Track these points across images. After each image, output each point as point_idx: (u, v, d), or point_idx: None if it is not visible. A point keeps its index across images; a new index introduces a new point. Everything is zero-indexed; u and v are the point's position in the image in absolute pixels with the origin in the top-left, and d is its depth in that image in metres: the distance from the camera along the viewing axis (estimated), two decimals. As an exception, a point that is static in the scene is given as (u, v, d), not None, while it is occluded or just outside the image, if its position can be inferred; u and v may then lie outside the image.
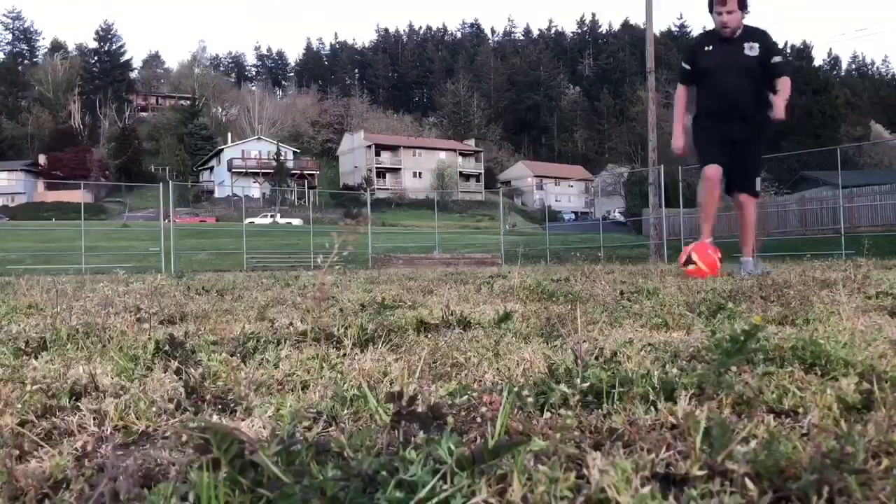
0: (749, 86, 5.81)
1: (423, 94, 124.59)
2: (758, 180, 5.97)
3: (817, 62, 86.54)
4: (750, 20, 5.86)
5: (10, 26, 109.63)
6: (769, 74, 5.79)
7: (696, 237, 5.92)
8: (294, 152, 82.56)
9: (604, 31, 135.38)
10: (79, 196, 44.55)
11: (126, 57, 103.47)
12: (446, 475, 0.83)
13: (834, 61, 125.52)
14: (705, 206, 5.96)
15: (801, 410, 1.21)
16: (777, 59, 5.87)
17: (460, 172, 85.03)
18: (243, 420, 1.26)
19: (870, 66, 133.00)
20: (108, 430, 1.21)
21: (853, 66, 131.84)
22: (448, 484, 0.81)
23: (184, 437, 1.04)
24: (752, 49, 5.82)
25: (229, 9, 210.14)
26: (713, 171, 5.84)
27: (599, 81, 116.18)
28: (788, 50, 76.58)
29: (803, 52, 77.43)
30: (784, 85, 5.72)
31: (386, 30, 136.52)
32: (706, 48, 6.03)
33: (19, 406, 1.31)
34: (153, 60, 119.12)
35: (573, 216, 76.82)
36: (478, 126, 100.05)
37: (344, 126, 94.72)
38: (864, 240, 9.85)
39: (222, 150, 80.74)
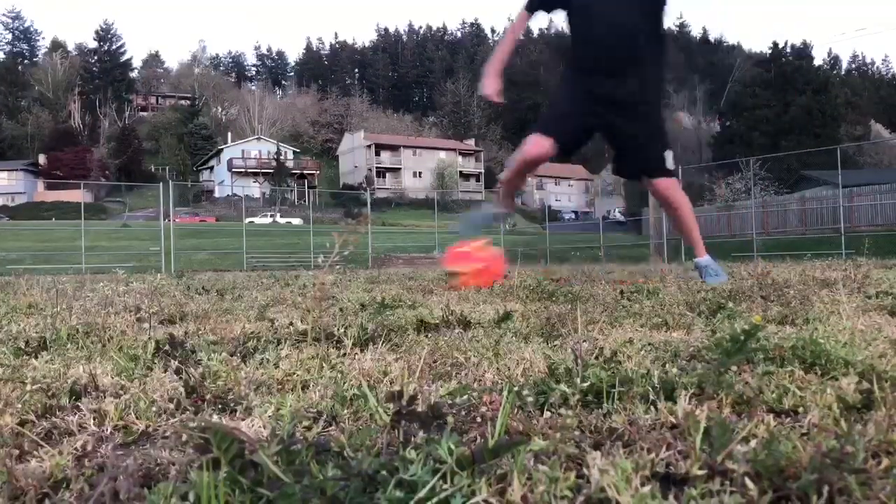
0: (643, 17, 4.20)
1: (423, 93, 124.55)
2: (668, 155, 4.28)
3: (817, 62, 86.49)
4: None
5: (10, 26, 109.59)
6: None
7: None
8: (294, 152, 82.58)
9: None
10: (79, 196, 44.56)
11: (126, 57, 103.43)
12: (446, 475, 0.83)
13: (834, 61, 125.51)
14: (508, 186, 4.66)
15: (801, 410, 1.21)
16: None
17: (460, 172, 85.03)
18: (243, 420, 1.26)
19: (870, 66, 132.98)
20: (108, 430, 1.21)
21: (853, 66, 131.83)
22: (448, 483, 0.82)
23: (184, 437, 1.04)
24: None
25: (229, 9, 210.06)
26: (539, 150, 4.30)
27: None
28: (788, 49, 76.52)
29: (803, 52, 77.45)
30: None
31: (386, 29, 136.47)
32: None
33: (19, 406, 1.31)
34: (153, 60, 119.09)
35: (573, 216, 76.84)
36: (478, 126, 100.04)
37: (344, 126, 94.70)
38: (865, 239, 9.86)
39: (222, 149, 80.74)
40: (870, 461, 0.88)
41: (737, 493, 0.79)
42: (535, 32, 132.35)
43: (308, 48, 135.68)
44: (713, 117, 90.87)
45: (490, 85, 4.47)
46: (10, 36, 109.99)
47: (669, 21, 4.51)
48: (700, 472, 0.87)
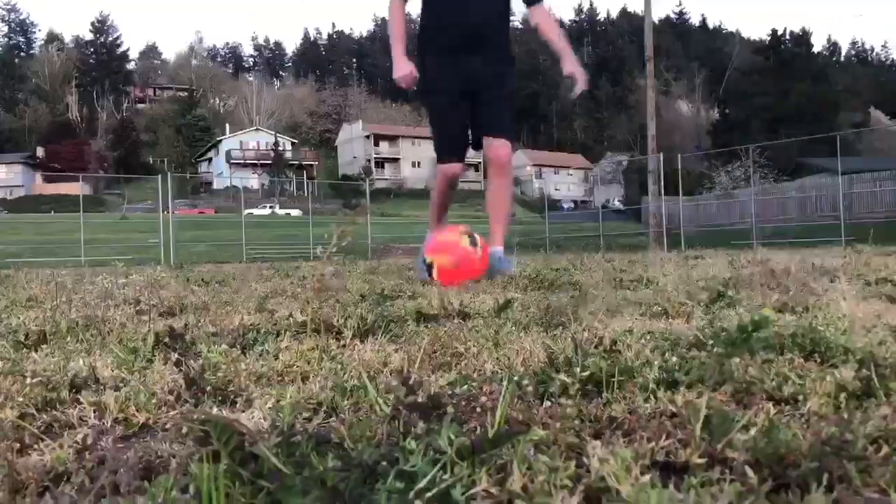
0: (498, 3, 4.41)
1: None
2: (512, 125, 4.62)
3: (816, 49, 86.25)
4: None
5: (6, 18, 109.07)
6: None
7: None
8: (292, 143, 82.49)
9: (602, 19, 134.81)
10: (77, 188, 44.46)
11: (123, 48, 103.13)
12: (446, 465, 0.83)
13: (833, 47, 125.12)
14: (438, 203, 4.77)
15: (800, 398, 1.21)
16: None
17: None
18: (243, 411, 1.26)
19: (869, 52, 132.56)
20: (109, 423, 1.22)
21: (853, 52, 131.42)
22: (448, 474, 0.82)
23: (184, 429, 1.04)
24: None
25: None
26: (456, 170, 4.50)
27: (598, 69, 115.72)
28: (787, 36, 76.17)
29: (802, 39, 77.10)
30: (550, 24, 4.50)
31: (383, 19, 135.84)
32: None
33: (20, 399, 1.31)
34: (150, 52, 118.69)
35: (573, 205, 76.80)
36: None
37: (342, 116, 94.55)
38: (864, 226, 9.85)
39: (220, 141, 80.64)
40: (869, 448, 0.88)
41: (736, 481, 0.79)
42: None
43: (305, 38, 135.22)
44: (712, 105, 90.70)
45: (402, 68, 4.33)
46: (6, 28, 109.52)
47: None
48: (700, 461, 0.87)
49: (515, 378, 1.26)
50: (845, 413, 1.03)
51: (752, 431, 0.91)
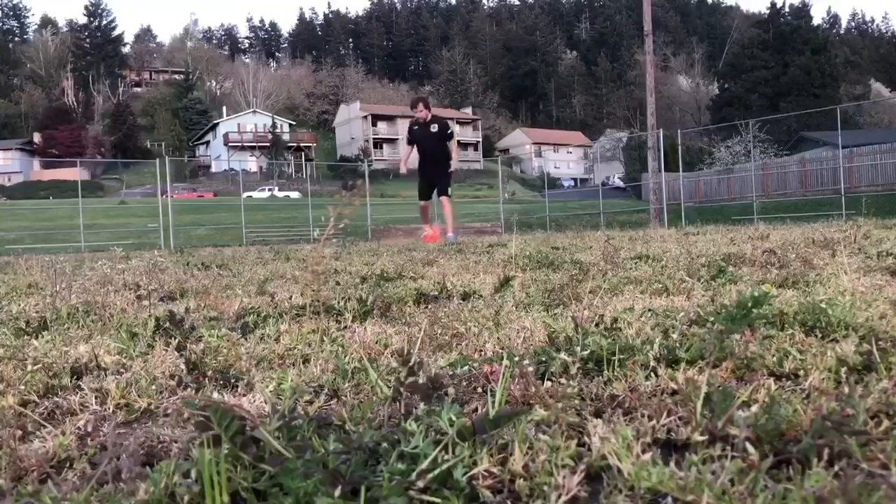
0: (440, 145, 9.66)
1: (418, 62, 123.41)
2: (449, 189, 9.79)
3: (816, 21, 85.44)
4: None
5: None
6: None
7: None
8: (290, 125, 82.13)
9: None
10: (75, 174, 44.24)
11: (117, 32, 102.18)
12: (447, 446, 0.83)
13: (833, 20, 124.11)
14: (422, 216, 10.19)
15: (801, 373, 1.21)
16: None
17: (458, 141, 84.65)
18: (245, 395, 1.26)
19: (869, 24, 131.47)
20: (110, 409, 1.22)
21: (852, 24, 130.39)
22: (449, 454, 0.82)
23: (185, 415, 1.04)
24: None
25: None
26: (426, 205, 10.01)
27: (596, 45, 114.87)
28: (787, 9, 75.34)
29: (802, 12, 76.37)
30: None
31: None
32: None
33: (21, 386, 1.31)
34: (145, 35, 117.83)
35: (572, 183, 76.53)
36: (475, 94, 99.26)
37: (339, 97, 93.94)
38: (864, 199, 9.81)
39: (217, 124, 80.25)
40: (870, 423, 0.88)
41: (737, 458, 0.79)
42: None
43: (301, 19, 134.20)
44: (711, 80, 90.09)
45: (403, 167, 10.23)
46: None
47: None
48: (701, 438, 0.87)
49: (516, 358, 1.26)
50: (846, 388, 1.03)
51: (753, 408, 0.91)
